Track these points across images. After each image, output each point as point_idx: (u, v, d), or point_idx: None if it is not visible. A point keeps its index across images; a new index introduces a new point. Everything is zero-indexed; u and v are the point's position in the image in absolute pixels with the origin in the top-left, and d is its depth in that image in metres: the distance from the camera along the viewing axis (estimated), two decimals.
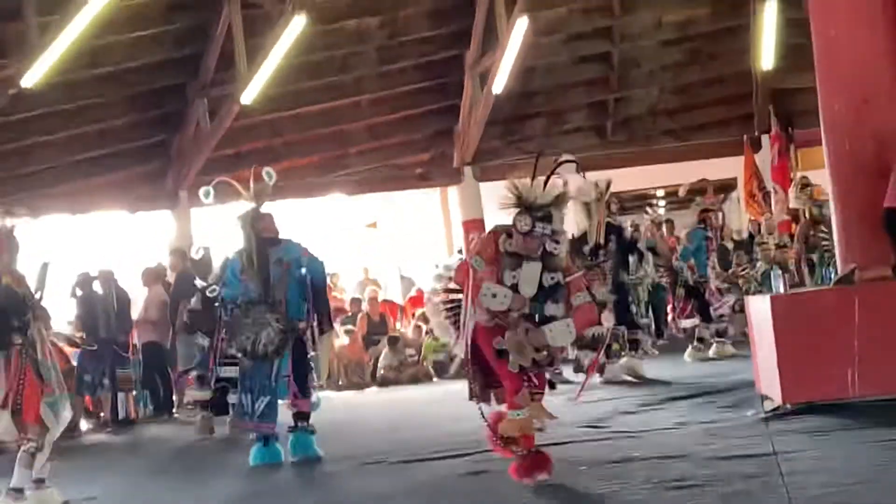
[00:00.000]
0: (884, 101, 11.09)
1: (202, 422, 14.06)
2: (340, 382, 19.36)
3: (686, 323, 18.24)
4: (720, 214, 19.54)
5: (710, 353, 17.15)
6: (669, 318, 20.37)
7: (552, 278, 8.27)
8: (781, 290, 11.59)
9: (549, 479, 8.25)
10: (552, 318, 8.22)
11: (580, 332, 8.35)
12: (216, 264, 13.73)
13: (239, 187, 11.15)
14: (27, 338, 9.29)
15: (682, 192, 20.37)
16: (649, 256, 16.12)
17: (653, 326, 19.28)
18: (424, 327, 20.40)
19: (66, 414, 9.54)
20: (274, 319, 10.75)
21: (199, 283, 13.54)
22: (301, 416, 11.02)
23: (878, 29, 11.18)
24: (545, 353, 8.23)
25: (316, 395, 11.37)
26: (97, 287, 16.69)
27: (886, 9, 11.22)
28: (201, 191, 11.40)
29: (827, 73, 11.35)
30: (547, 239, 8.26)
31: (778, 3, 21.58)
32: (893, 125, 11.00)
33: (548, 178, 8.38)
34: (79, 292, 16.57)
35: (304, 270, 11.03)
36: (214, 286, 11.54)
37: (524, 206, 8.26)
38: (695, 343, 17.50)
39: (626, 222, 19.06)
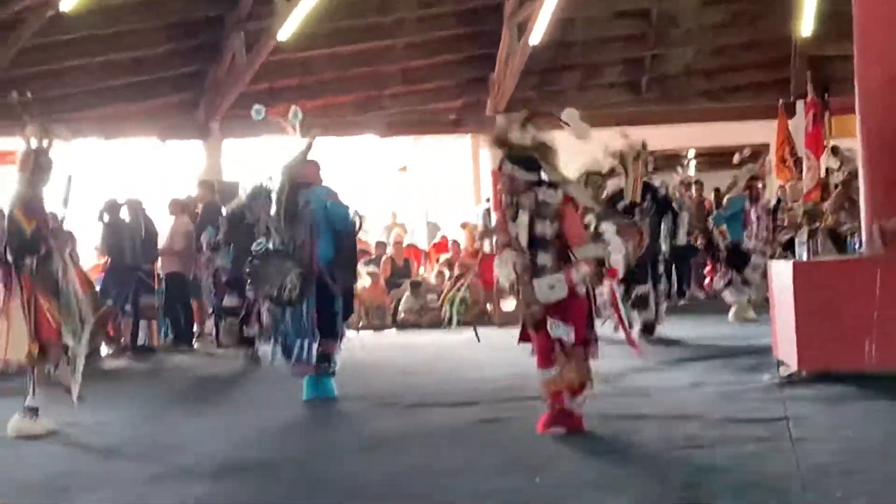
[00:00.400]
0: None
1: (230, 328, 14.23)
2: (361, 324, 19.42)
3: (721, 284, 18.18)
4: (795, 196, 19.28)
5: (730, 316, 17.05)
6: (706, 280, 20.37)
7: (543, 228, 8.30)
8: (804, 257, 11.54)
9: (559, 433, 8.28)
10: (544, 268, 8.27)
11: (572, 287, 8.31)
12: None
13: (287, 126, 11.13)
14: (43, 264, 9.36)
15: (737, 159, 20.18)
16: (684, 216, 16.07)
17: (674, 287, 19.25)
18: (447, 273, 20.45)
19: (85, 341, 9.63)
20: (294, 264, 10.74)
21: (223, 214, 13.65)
22: (324, 357, 11.03)
23: None
24: (537, 308, 8.28)
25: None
26: (124, 214, 16.75)
27: None
28: (254, 109, 11.34)
29: (864, 41, 11.26)
30: (537, 187, 8.32)
31: None
32: None
33: (525, 122, 8.42)
34: (106, 218, 16.63)
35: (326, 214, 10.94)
36: (261, 240, 11.48)
37: (498, 143, 8.41)
38: (738, 285, 17.34)
39: (656, 181, 19.01)
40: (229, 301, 14.30)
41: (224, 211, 14.33)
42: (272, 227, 10.98)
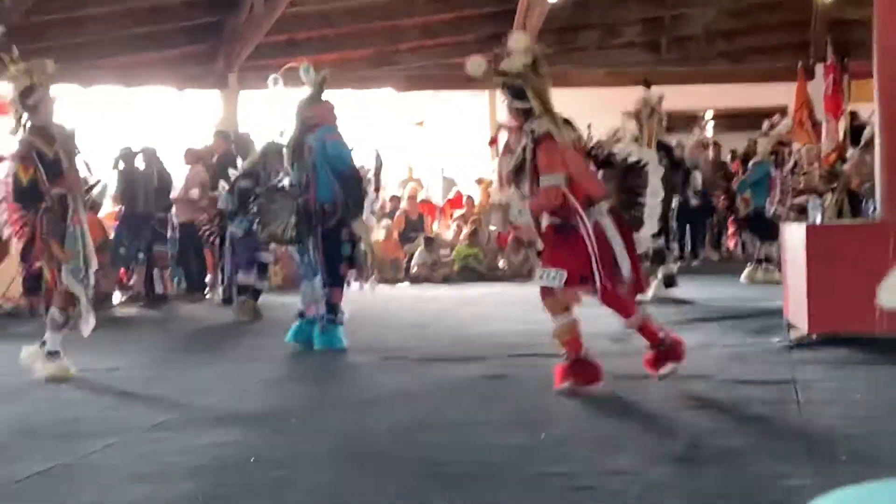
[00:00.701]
0: None
1: (242, 305, 14.15)
2: (374, 277, 19.41)
3: (743, 248, 18.16)
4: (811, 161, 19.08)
5: (758, 275, 16.94)
6: (731, 240, 20.32)
7: (526, 156, 8.33)
8: (818, 220, 11.52)
9: (566, 389, 8.29)
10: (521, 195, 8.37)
11: (535, 214, 8.30)
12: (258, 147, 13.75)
13: (301, 71, 11.13)
14: (52, 207, 9.39)
15: (765, 128, 19.99)
16: (696, 176, 16.02)
17: (688, 247, 19.24)
18: (465, 229, 20.48)
19: (89, 282, 9.64)
20: (296, 203, 10.81)
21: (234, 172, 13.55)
22: (328, 307, 11.03)
23: None
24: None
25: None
26: (139, 162, 16.76)
27: None
28: (270, 79, 11.35)
29: (884, 4, 11.16)
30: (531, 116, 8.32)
31: None
32: None
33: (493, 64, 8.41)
34: (121, 166, 16.65)
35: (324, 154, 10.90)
36: (283, 177, 11.51)
37: (495, 72, 8.43)
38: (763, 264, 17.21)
39: (672, 141, 18.95)
40: (245, 278, 14.22)
41: (239, 165, 14.23)
42: (283, 171, 11.09)
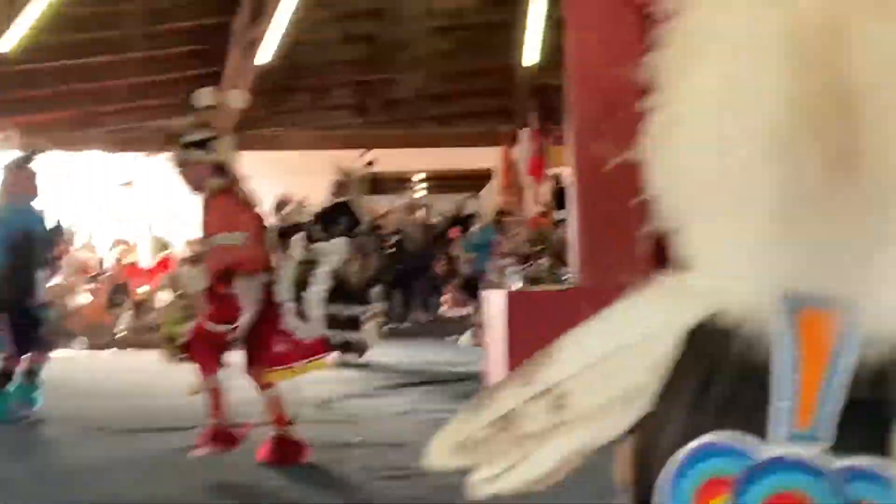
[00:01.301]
0: (631, 103, 11.19)
1: None
2: (80, 342, 19.03)
3: (459, 312, 18.35)
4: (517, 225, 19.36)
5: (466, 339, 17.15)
6: (443, 306, 20.51)
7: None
8: (518, 285, 11.77)
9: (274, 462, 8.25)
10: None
11: (211, 274, 8.24)
12: None
13: (13, 137, 11.01)
14: None
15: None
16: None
17: (395, 309, 19.40)
18: (170, 294, 20.23)
19: None
20: None
21: None
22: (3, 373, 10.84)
23: (628, 28, 11.29)
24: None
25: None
26: None
27: (636, 9, 11.35)
28: None
29: (577, 73, 11.42)
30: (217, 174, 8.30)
31: (547, 0, 21.87)
32: (638, 128, 11.14)
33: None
34: None
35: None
36: None
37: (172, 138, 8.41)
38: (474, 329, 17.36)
39: (384, 204, 19.21)
40: None
41: None
42: None
